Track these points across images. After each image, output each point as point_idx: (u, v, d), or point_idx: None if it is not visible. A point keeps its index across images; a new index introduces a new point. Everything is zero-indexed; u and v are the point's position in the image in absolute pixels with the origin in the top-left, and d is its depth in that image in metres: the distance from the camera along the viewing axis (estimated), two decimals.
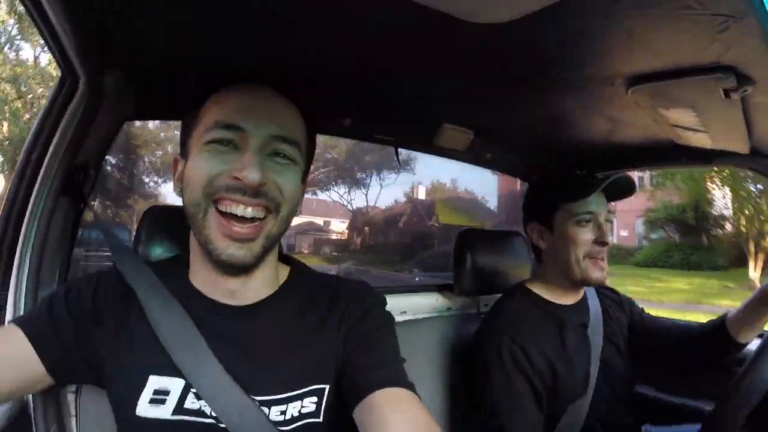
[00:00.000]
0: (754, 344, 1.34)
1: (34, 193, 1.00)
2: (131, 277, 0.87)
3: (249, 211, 0.81)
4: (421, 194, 31.65)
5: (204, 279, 0.89)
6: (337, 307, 0.94)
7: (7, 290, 1.00)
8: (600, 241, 1.34)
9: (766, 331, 1.28)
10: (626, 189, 1.39)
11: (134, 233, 1.11)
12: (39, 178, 1.00)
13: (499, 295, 1.56)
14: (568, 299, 1.44)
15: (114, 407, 0.85)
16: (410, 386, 0.86)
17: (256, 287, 0.91)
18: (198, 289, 0.90)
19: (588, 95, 1.30)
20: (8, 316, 0.98)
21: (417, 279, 3.37)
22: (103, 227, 1.02)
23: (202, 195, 0.81)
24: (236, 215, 0.81)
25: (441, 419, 1.44)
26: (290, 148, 0.86)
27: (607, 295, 1.57)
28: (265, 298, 0.92)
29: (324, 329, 0.92)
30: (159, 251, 1.07)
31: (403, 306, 1.63)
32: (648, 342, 1.52)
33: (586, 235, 1.35)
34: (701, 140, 1.32)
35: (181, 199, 0.88)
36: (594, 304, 1.49)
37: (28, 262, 1.00)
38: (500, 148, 1.77)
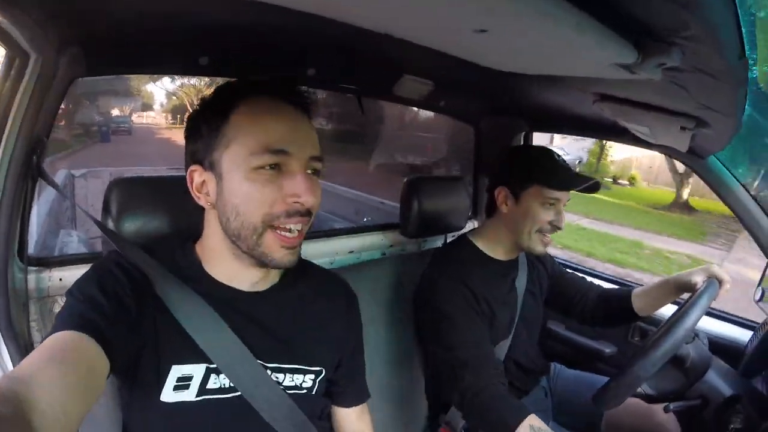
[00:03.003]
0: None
1: None
2: (144, 268, 0.88)
3: (300, 225, 0.87)
4: None
5: (226, 270, 0.93)
6: (336, 305, 1.09)
7: None
8: (555, 224, 1.45)
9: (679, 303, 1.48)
10: (593, 190, 1.45)
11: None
12: None
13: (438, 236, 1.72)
14: (505, 256, 1.58)
15: (138, 390, 0.87)
16: (366, 396, 1.17)
17: (273, 276, 0.98)
18: (215, 278, 0.93)
19: (554, 85, 1.32)
20: None
21: (365, 219, 3.42)
22: (95, 220, 0.99)
23: (260, 223, 0.84)
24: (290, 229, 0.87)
25: (387, 356, 1.59)
26: (320, 164, 0.91)
27: None
28: (275, 284, 0.99)
29: (326, 323, 1.05)
30: (131, 225, 1.03)
31: (350, 246, 1.72)
32: (563, 297, 1.73)
33: (546, 216, 1.44)
34: (646, 137, 1.41)
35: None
36: (522, 261, 1.65)
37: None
38: (454, 97, 1.78)
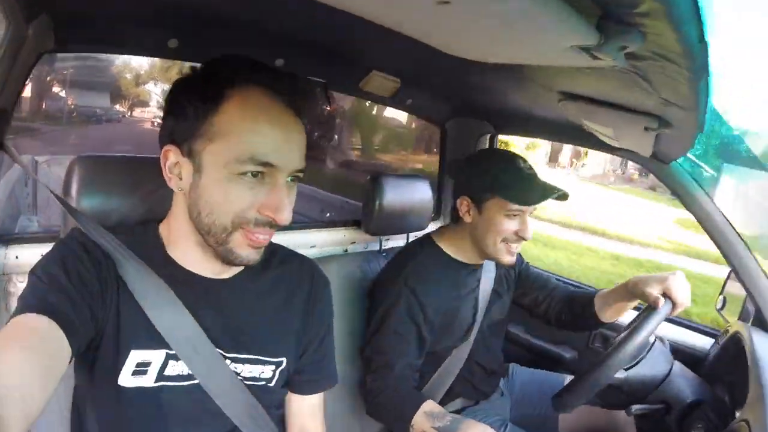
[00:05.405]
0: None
1: None
2: (107, 248, 0.85)
3: (268, 236, 0.87)
4: None
5: (189, 256, 0.92)
6: (302, 289, 1.06)
7: None
8: (520, 235, 1.42)
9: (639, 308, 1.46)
10: (561, 200, 1.41)
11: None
12: None
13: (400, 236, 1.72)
14: (471, 260, 1.55)
15: (96, 373, 0.85)
16: (333, 383, 1.14)
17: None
18: (177, 261, 0.92)
19: (518, 82, 1.31)
20: None
21: (327, 215, 3.47)
22: (60, 199, 0.93)
23: (230, 224, 0.83)
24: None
25: (346, 351, 1.56)
26: (302, 173, 0.88)
27: None
28: (240, 272, 0.98)
29: (290, 310, 1.04)
30: (92, 204, 0.99)
31: (312, 240, 1.70)
32: (528, 297, 1.71)
33: (511, 226, 1.41)
34: (610, 141, 1.41)
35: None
36: (489, 261, 1.61)
37: None
38: (422, 95, 1.77)
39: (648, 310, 1.28)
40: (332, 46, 1.30)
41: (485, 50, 0.85)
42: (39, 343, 0.67)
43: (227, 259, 0.87)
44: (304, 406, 1.11)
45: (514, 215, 1.40)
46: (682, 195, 1.50)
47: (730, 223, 1.47)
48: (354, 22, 1.04)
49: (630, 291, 1.40)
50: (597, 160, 21.64)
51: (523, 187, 1.39)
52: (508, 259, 1.45)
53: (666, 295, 1.27)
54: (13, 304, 0.87)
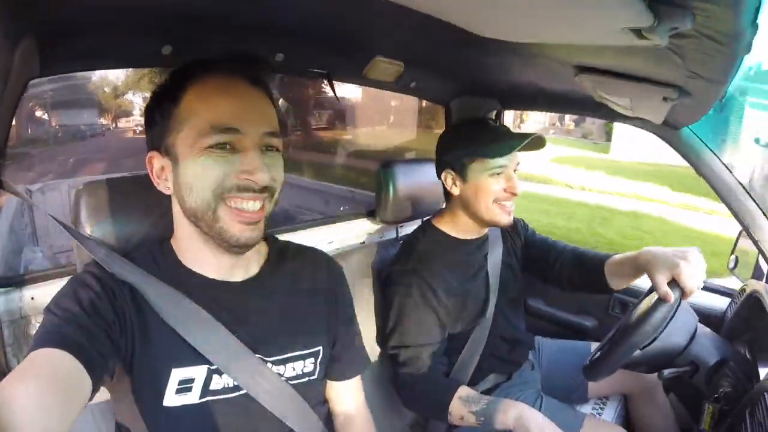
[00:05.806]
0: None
1: None
2: (122, 274, 0.86)
3: (257, 204, 0.86)
4: None
5: (200, 259, 0.93)
6: (320, 279, 1.08)
7: None
8: (509, 191, 1.43)
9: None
10: (538, 146, 1.43)
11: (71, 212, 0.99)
12: None
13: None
14: (473, 235, 1.57)
15: (138, 399, 0.86)
16: (366, 364, 1.18)
17: (248, 262, 0.98)
18: (191, 269, 0.93)
19: (533, 59, 1.30)
20: None
21: (342, 208, 3.51)
22: (69, 229, 0.91)
23: (212, 197, 0.84)
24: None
25: (372, 344, 1.56)
26: (277, 140, 0.89)
27: None
28: (257, 273, 0.99)
29: (314, 300, 1.05)
30: (105, 231, 0.97)
31: (328, 236, 1.70)
32: (540, 262, 1.69)
33: (497, 185, 1.43)
34: (624, 110, 1.40)
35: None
36: (495, 235, 1.64)
37: None
38: (426, 77, 1.75)
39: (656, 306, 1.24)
40: (332, 35, 1.28)
41: (529, 32, 0.84)
42: (55, 374, 0.67)
43: (224, 242, 0.87)
44: (344, 392, 1.14)
45: (498, 173, 1.43)
46: (692, 159, 1.51)
47: (742, 185, 1.48)
48: (354, 8, 1.03)
49: (640, 268, 1.36)
50: (537, 117, 22.12)
51: (498, 142, 1.42)
52: (506, 219, 1.47)
53: (675, 281, 1.22)
54: None
